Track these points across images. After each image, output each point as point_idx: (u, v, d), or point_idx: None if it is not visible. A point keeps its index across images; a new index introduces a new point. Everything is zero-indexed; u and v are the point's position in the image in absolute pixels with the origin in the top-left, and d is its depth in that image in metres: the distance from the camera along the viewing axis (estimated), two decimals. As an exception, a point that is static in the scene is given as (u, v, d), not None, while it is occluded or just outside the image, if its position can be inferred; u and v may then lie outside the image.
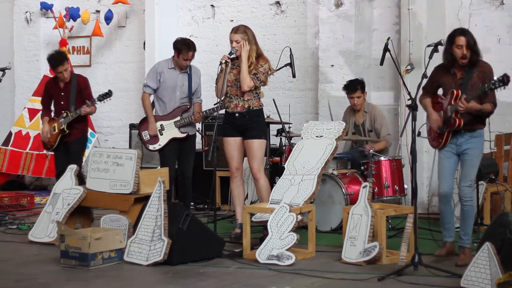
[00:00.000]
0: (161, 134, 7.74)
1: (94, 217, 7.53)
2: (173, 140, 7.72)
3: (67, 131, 8.03)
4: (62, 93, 8.11)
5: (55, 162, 8.26)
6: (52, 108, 8.30)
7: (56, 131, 8.07)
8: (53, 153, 8.35)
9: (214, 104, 7.33)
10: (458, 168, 6.15)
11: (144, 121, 7.95)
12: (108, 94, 7.96)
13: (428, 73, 6.11)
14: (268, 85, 7.22)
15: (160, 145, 7.76)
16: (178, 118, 7.70)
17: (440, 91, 6.23)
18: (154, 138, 7.77)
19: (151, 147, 7.82)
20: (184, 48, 7.61)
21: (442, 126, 5.99)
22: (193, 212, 7.29)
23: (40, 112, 8.61)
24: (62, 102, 8.12)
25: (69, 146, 8.07)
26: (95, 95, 8.11)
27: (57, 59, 8.09)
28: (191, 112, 7.71)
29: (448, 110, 5.92)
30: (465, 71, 5.95)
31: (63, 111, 8.07)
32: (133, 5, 10.87)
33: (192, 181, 7.87)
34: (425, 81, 6.07)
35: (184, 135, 7.70)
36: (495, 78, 5.60)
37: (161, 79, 7.75)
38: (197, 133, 8.18)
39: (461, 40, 5.88)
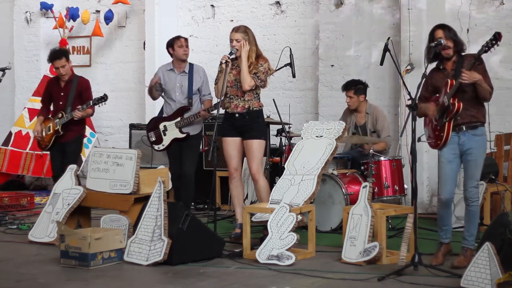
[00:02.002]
0: (165, 135, 7.77)
1: (94, 217, 7.51)
2: (175, 141, 7.74)
3: (61, 133, 7.95)
4: (62, 93, 8.05)
5: (51, 163, 8.24)
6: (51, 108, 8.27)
7: (51, 131, 8.01)
8: (48, 152, 8.30)
9: (214, 104, 7.35)
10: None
11: (152, 122, 7.98)
12: (103, 98, 7.87)
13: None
14: (268, 85, 7.20)
15: (163, 145, 7.81)
16: (179, 118, 7.71)
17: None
18: (159, 139, 7.80)
19: (156, 147, 7.91)
20: (174, 39, 7.78)
21: (442, 117, 5.84)
22: (193, 212, 7.28)
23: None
24: (60, 102, 8.04)
25: (64, 147, 7.99)
26: (94, 95, 8.08)
27: (55, 52, 8.06)
28: (192, 112, 7.71)
29: (445, 100, 5.79)
30: (455, 62, 5.91)
31: (59, 112, 8.01)
32: (133, 5, 10.86)
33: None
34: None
35: (184, 135, 7.70)
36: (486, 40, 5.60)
37: (161, 82, 7.77)
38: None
39: (439, 33, 5.90)
